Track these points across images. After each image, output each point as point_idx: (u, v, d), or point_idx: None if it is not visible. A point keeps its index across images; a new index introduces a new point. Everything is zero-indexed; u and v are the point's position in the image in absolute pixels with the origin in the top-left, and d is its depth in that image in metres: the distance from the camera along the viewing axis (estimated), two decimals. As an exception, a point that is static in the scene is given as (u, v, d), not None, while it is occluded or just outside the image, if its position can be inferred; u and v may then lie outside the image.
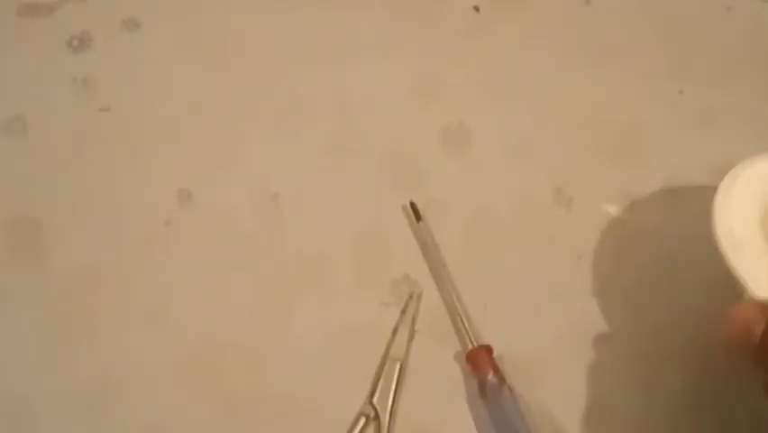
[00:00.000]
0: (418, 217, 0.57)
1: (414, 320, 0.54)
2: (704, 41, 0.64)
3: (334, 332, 0.54)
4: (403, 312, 0.55)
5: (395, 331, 0.54)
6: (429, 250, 0.56)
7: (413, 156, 0.60)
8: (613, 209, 0.59)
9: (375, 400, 0.52)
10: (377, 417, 0.51)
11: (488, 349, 0.53)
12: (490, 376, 0.52)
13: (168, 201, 0.58)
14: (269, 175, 0.59)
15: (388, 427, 0.51)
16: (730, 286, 0.47)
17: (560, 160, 0.60)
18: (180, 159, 0.59)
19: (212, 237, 0.57)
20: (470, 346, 0.53)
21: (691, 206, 0.58)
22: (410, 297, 0.55)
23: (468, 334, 0.53)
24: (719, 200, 0.50)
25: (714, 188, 0.51)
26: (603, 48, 0.64)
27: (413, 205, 0.58)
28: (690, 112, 0.62)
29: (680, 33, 0.64)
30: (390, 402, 0.52)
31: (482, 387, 0.51)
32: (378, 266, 0.56)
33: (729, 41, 0.64)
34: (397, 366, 0.53)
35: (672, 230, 0.58)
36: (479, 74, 0.63)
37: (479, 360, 0.52)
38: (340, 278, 0.56)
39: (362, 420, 0.51)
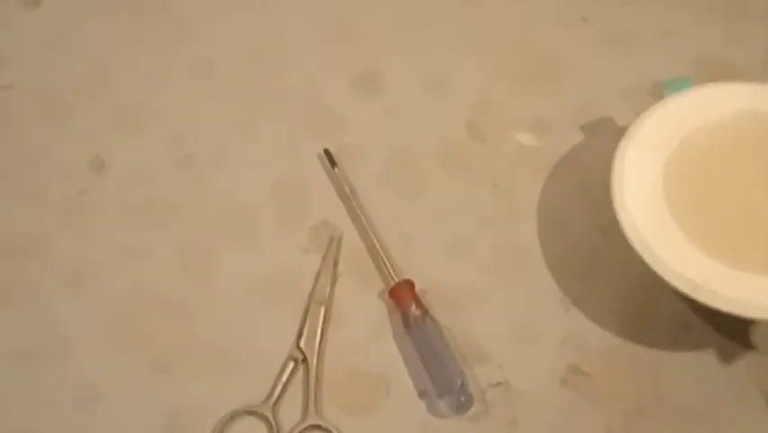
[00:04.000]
0: (333, 164, 0.58)
1: (335, 264, 0.55)
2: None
3: (258, 281, 0.54)
4: (324, 257, 0.55)
5: (317, 276, 0.54)
6: (346, 194, 0.57)
7: (327, 102, 0.60)
8: (526, 138, 0.59)
9: (302, 343, 0.52)
10: (305, 360, 0.52)
11: (409, 283, 0.53)
12: (413, 309, 0.52)
13: (81, 170, 0.57)
14: (182, 134, 0.59)
15: (317, 368, 0.51)
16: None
17: (472, 94, 0.61)
18: (90, 126, 0.59)
19: (129, 201, 0.57)
20: (392, 283, 0.53)
21: (604, 129, 0.59)
22: (330, 241, 0.55)
23: (389, 271, 0.54)
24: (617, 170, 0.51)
25: (626, 111, 0.53)
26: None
27: (327, 152, 0.58)
28: (601, 35, 0.62)
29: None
30: (317, 344, 0.52)
31: (406, 320, 0.52)
32: (297, 214, 0.57)
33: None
34: (322, 309, 0.53)
35: (586, 155, 0.58)
36: (388, 16, 0.64)
37: (400, 295, 0.53)
38: (260, 228, 0.56)
39: (291, 364, 0.52)
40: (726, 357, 0.52)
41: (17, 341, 0.52)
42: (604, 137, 0.57)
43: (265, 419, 0.50)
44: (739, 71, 0.61)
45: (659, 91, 0.56)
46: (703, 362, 0.52)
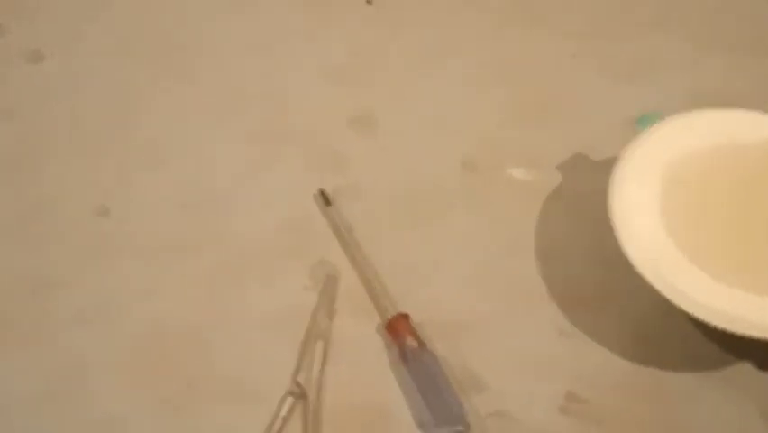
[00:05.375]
0: (328, 202, 0.59)
1: (332, 300, 0.56)
2: None
3: (258, 320, 0.55)
4: (321, 293, 0.56)
5: (315, 312, 0.55)
6: (342, 232, 0.58)
7: (327, 142, 0.62)
8: (519, 173, 0.60)
9: (300, 378, 0.53)
10: (303, 394, 0.52)
11: (405, 317, 0.54)
12: (409, 341, 0.53)
13: (94, 212, 0.60)
14: (198, 172, 0.61)
15: (315, 402, 0.52)
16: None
17: (464, 131, 0.62)
18: (101, 169, 0.61)
19: (138, 243, 0.58)
20: (388, 317, 0.54)
21: (595, 162, 0.60)
22: (327, 278, 0.56)
23: (386, 305, 0.54)
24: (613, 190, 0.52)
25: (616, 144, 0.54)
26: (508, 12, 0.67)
27: (322, 191, 0.59)
28: (594, 70, 0.64)
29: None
30: (316, 379, 0.52)
31: (403, 353, 0.53)
32: (297, 252, 0.57)
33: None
34: (320, 344, 0.54)
35: (579, 188, 0.59)
36: (384, 59, 0.66)
37: (397, 328, 0.53)
38: (263, 267, 0.57)
39: (290, 399, 0.52)
40: (734, 382, 0.52)
41: (37, 381, 0.53)
42: (594, 170, 0.58)
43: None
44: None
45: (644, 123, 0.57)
46: (713, 388, 0.51)
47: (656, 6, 0.67)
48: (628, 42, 0.65)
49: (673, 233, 0.52)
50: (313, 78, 0.65)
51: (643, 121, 0.57)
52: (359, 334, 0.54)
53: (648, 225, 0.52)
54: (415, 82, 0.65)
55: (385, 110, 0.63)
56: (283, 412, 0.51)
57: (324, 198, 0.59)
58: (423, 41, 0.66)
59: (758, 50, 0.65)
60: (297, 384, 0.52)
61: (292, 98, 0.64)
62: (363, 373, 0.53)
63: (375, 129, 0.62)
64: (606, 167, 0.54)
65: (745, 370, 0.52)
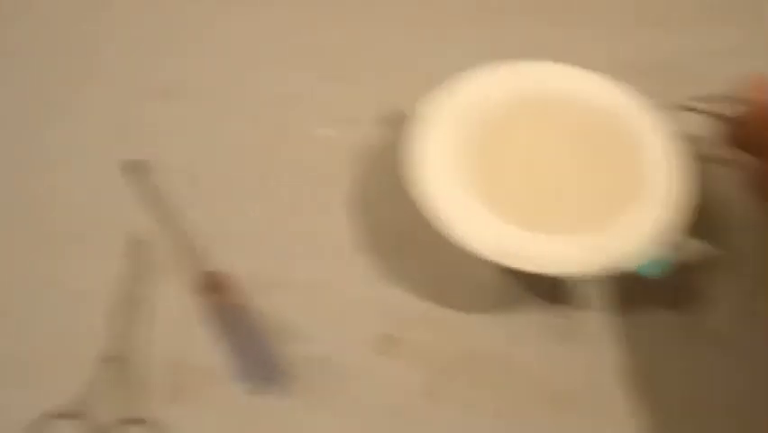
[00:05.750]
0: (138, 171, 0.59)
1: (147, 265, 0.55)
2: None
3: (67, 292, 0.54)
4: (135, 260, 0.55)
5: (130, 277, 0.54)
6: (155, 199, 0.58)
7: (134, 114, 0.62)
8: (329, 132, 0.62)
9: (118, 344, 0.52)
10: (120, 358, 0.51)
11: (220, 275, 0.54)
12: (223, 298, 0.53)
13: None
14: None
15: (131, 365, 0.51)
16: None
17: (278, 94, 0.63)
18: None
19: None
20: (202, 277, 0.54)
21: (404, 120, 0.62)
22: (139, 244, 0.56)
23: (199, 267, 0.55)
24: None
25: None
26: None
27: (132, 162, 0.59)
28: (402, 32, 0.67)
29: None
30: (133, 342, 0.52)
31: (220, 310, 0.53)
32: (105, 223, 0.57)
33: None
34: (136, 309, 0.53)
35: (388, 145, 0.62)
36: (193, 35, 0.66)
37: (212, 285, 0.54)
38: (70, 238, 0.56)
39: (108, 364, 0.51)
40: (526, 310, 0.55)
41: None
42: (398, 125, 0.61)
43: (81, 417, 0.49)
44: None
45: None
46: (507, 317, 0.55)
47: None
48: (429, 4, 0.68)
49: (469, 183, 0.54)
50: (119, 51, 0.64)
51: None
52: (175, 295, 0.55)
53: (444, 175, 0.54)
54: (221, 54, 0.65)
55: (192, 82, 0.64)
56: (99, 377, 0.51)
57: (135, 168, 0.59)
58: (231, 18, 0.67)
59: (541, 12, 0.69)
60: (114, 349, 0.52)
61: (95, 72, 0.63)
62: (182, 332, 0.53)
63: (181, 101, 0.63)
64: (407, 120, 0.57)
65: (536, 303, 0.56)
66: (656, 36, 0.68)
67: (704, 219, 0.57)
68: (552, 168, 0.55)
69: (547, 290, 0.56)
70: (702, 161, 0.58)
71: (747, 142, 0.54)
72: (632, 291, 0.55)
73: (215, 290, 0.54)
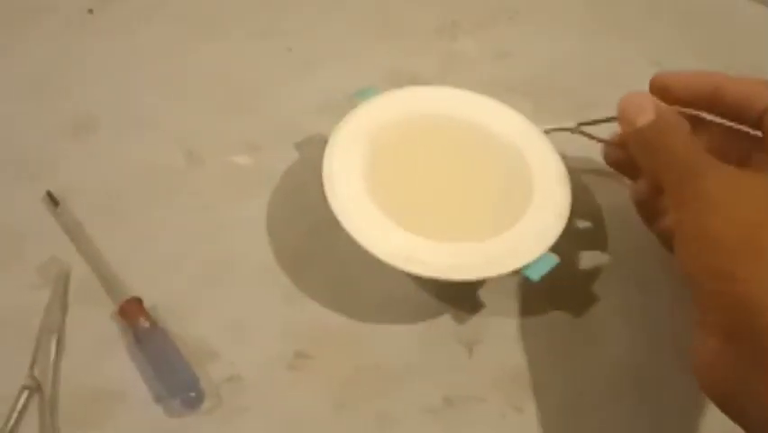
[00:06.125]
0: (56, 203, 0.60)
1: (65, 293, 0.57)
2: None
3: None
4: (53, 289, 0.57)
5: (47, 308, 0.56)
6: (72, 230, 0.60)
7: (46, 148, 0.63)
8: (242, 159, 0.65)
9: (36, 373, 0.54)
10: (39, 387, 0.53)
11: (136, 300, 0.56)
12: (141, 322, 0.55)
13: None
14: None
15: (52, 392, 0.53)
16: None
17: (186, 125, 0.66)
18: None
19: None
20: (121, 303, 0.56)
21: (310, 141, 0.65)
22: (58, 273, 0.58)
23: (118, 293, 0.57)
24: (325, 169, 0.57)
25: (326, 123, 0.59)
26: (210, 19, 0.71)
27: (49, 193, 0.61)
28: (297, 61, 0.70)
29: None
30: (51, 371, 0.54)
31: (136, 334, 0.55)
32: (21, 255, 0.58)
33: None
34: (55, 337, 0.55)
35: (296, 167, 0.65)
36: (98, 65, 0.68)
37: (129, 312, 0.56)
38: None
39: (25, 393, 0.53)
40: (433, 320, 0.58)
41: None
42: (310, 149, 0.64)
43: (-1, 448, 0.51)
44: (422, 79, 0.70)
45: (354, 102, 0.63)
46: (412, 326, 0.58)
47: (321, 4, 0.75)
48: (310, 33, 0.72)
49: (375, 194, 0.57)
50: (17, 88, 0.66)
51: (359, 94, 0.62)
52: (93, 323, 0.56)
53: (354, 188, 0.57)
54: (128, 84, 0.68)
55: (101, 114, 0.66)
56: (19, 406, 0.52)
57: (52, 199, 0.61)
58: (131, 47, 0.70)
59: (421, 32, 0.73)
60: (32, 378, 0.54)
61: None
62: (99, 359, 0.55)
63: (94, 132, 0.65)
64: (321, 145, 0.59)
65: (444, 311, 0.59)
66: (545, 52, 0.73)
67: (591, 227, 0.61)
68: (450, 183, 0.59)
69: (454, 298, 0.59)
70: (594, 174, 0.63)
71: (626, 164, 0.58)
72: (528, 295, 0.59)
73: (131, 316, 0.56)
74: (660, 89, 0.54)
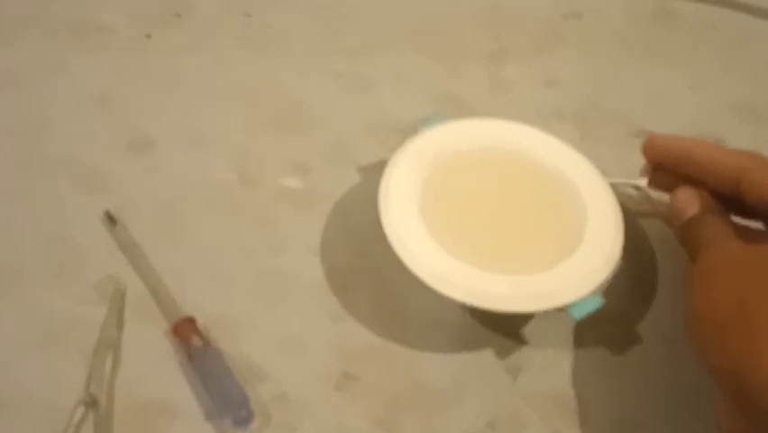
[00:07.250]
0: (113, 222, 0.62)
1: (121, 311, 0.59)
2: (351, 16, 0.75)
3: (41, 337, 0.57)
4: (109, 306, 0.59)
5: (104, 324, 0.58)
6: (128, 248, 0.62)
7: (105, 165, 0.66)
8: (291, 182, 0.66)
9: (92, 388, 0.56)
10: (95, 401, 0.55)
11: (190, 320, 0.58)
12: (194, 341, 0.57)
13: None
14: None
15: (107, 407, 0.55)
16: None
17: (238, 146, 0.67)
18: None
19: None
20: (174, 322, 0.58)
21: (356, 164, 0.67)
22: (114, 291, 0.60)
23: (172, 312, 0.59)
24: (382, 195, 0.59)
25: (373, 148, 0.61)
26: (265, 39, 0.73)
27: (108, 212, 0.63)
28: (344, 82, 0.71)
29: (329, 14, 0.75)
30: (107, 386, 0.56)
31: (189, 353, 0.57)
32: (79, 271, 0.60)
33: (374, 13, 0.75)
34: (111, 354, 0.57)
35: (343, 189, 0.66)
36: (156, 85, 0.70)
37: (182, 330, 0.58)
38: (39, 286, 0.60)
39: (81, 408, 0.55)
40: (477, 346, 0.59)
41: None
42: (363, 171, 0.66)
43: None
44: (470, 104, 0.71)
45: (401, 127, 0.64)
46: (457, 351, 0.59)
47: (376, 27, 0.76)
48: (361, 58, 0.73)
49: (425, 218, 0.58)
50: (78, 106, 0.69)
51: (425, 122, 0.63)
52: (148, 340, 0.58)
53: (409, 213, 0.58)
54: (180, 101, 0.70)
55: (157, 132, 0.68)
56: (75, 421, 0.54)
57: (110, 219, 0.63)
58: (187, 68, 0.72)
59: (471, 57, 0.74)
60: (88, 393, 0.55)
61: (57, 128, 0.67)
62: (153, 375, 0.57)
63: (151, 150, 0.67)
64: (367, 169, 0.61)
65: (490, 340, 0.60)
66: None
67: (634, 267, 0.62)
68: (503, 215, 0.60)
69: (499, 325, 0.59)
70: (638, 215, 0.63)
71: None
72: (575, 328, 0.60)
73: (185, 335, 0.57)
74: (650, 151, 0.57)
